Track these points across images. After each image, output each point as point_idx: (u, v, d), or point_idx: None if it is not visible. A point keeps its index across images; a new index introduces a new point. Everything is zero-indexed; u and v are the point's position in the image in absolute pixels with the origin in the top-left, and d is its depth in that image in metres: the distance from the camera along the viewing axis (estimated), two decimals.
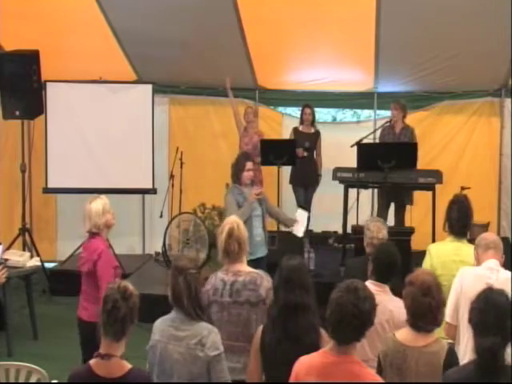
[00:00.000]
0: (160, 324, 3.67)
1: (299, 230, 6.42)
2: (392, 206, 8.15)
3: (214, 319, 4.09)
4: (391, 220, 7.98)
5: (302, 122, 8.82)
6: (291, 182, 8.76)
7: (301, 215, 6.45)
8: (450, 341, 4.05)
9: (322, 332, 3.58)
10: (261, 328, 3.78)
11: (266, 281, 4.16)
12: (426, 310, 3.40)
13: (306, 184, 8.71)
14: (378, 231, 4.95)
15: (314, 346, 3.44)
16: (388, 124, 8.30)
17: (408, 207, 8.06)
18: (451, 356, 3.37)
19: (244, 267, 4.25)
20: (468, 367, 3.06)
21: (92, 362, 3.21)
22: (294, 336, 3.60)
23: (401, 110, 8.30)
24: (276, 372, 3.60)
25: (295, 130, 8.79)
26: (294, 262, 3.79)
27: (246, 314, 4.10)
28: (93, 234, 4.95)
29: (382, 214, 7.83)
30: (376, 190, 8.56)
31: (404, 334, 3.47)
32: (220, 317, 4.11)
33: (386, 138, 8.25)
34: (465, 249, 4.68)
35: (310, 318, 3.64)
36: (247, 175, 6.20)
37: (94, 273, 4.86)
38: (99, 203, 4.96)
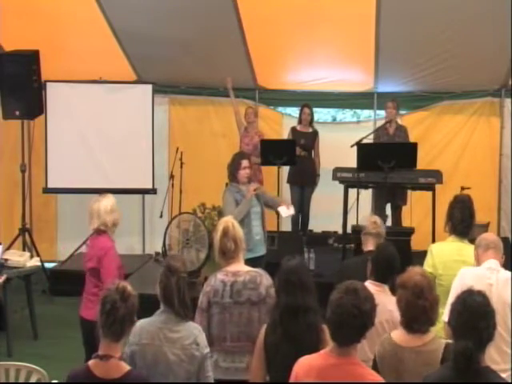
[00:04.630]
0: (147, 326, 3.61)
1: (284, 211, 6.42)
2: (388, 207, 8.19)
3: (215, 320, 4.10)
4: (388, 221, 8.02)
5: (300, 121, 8.83)
6: (289, 181, 8.77)
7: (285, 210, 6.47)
8: (450, 341, 4.05)
9: (326, 331, 3.49)
10: (264, 329, 3.78)
11: (265, 279, 4.16)
12: (419, 312, 3.40)
13: (303, 183, 8.72)
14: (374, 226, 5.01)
15: (315, 347, 3.43)
16: (388, 124, 8.32)
17: (408, 208, 8.07)
18: (449, 353, 3.36)
19: (242, 266, 4.25)
20: (446, 369, 3.05)
21: (90, 362, 3.20)
22: (295, 337, 3.60)
23: (397, 109, 8.33)
24: (278, 372, 3.60)
25: (293, 129, 8.81)
26: (292, 262, 3.78)
27: (248, 314, 4.10)
28: (99, 232, 4.95)
29: (379, 214, 7.84)
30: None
31: (400, 335, 3.46)
32: (222, 318, 4.11)
33: (380, 139, 8.27)
34: (467, 249, 4.65)
35: (311, 319, 3.63)
36: (243, 173, 6.18)
37: (98, 270, 4.86)
38: (108, 201, 4.97)
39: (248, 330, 4.08)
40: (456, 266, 4.46)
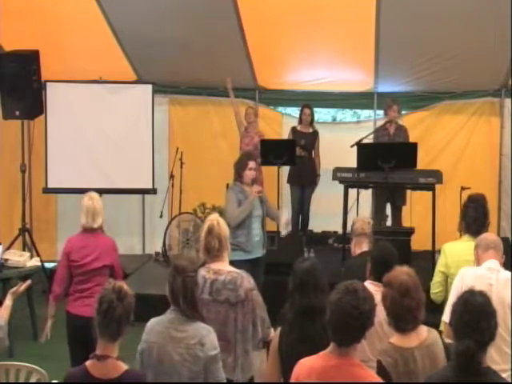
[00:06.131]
0: (155, 325, 3.63)
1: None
2: (388, 207, 8.20)
3: None
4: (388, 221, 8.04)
5: (300, 121, 8.83)
6: (289, 181, 8.77)
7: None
8: (451, 341, 4.04)
9: None
10: (278, 331, 3.77)
11: (246, 281, 4.15)
12: (405, 311, 3.37)
13: (303, 184, 8.72)
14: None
15: None
16: (388, 124, 8.32)
17: (408, 208, 8.07)
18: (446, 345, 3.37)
19: (225, 266, 4.24)
20: (448, 369, 3.05)
21: (88, 363, 3.19)
22: (311, 338, 3.59)
23: (399, 110, 8.34)
24: None
25: (293, 129, 8.81)
26: (306, 264, 3.78)
27: (225, 313, 4.10)
28: (97, 231, 4.99)
29: (379, 214, 7.84)
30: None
31: (398, 339, 3.40)
32: None
33: (380, 139, 8.27)
34: None
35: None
36: (249, 174, 6.24)
37: (107, 268, 4.90)
38: (99, 199, 5.04)
39: (223, 330, 4.07)
40: (468, 265, 4.43)
